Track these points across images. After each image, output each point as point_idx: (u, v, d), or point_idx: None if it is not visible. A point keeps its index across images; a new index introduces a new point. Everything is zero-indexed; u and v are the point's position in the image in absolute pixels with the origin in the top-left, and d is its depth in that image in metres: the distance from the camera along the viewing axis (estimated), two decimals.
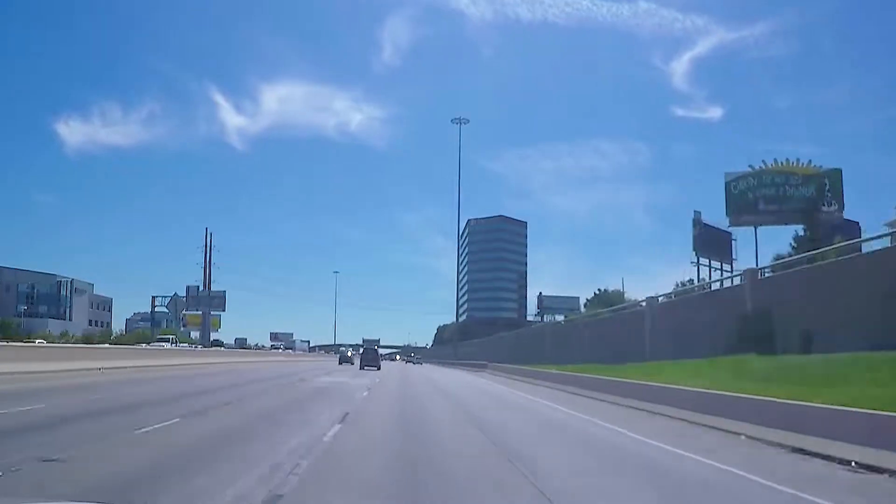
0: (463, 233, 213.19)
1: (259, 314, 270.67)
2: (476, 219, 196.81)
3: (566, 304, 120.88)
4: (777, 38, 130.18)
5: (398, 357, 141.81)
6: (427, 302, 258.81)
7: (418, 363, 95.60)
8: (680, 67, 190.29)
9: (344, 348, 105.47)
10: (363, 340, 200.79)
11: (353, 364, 58.03)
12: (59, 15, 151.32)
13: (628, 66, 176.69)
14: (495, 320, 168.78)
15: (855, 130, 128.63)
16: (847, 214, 50.35)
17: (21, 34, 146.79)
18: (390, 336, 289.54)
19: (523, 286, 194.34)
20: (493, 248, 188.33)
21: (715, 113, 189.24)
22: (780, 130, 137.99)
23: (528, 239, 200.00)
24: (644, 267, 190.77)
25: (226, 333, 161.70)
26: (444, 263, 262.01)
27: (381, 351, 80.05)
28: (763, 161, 55.23)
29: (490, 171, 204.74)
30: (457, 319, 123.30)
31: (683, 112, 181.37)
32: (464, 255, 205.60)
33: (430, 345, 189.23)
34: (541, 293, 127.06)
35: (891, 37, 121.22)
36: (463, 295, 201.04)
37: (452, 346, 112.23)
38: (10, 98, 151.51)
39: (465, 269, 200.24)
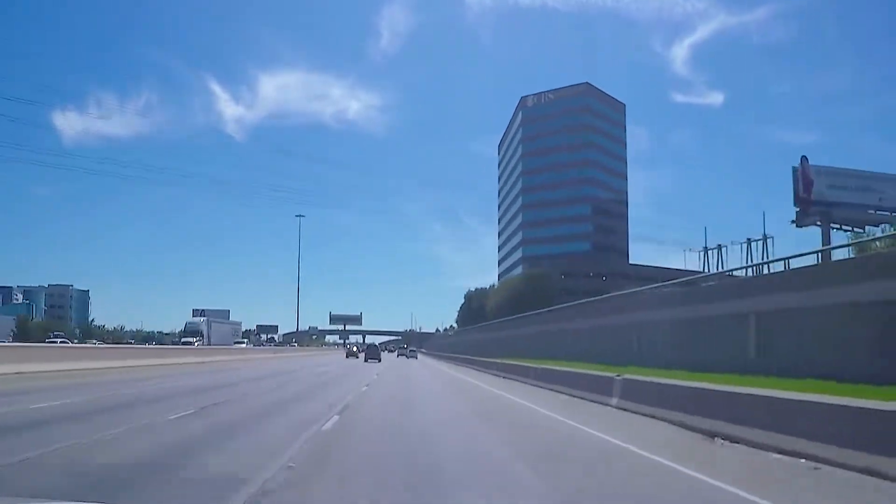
0: (511, 122, 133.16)
1: (244, 301, 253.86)
2: (536, 94, 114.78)
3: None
4: (778, 23, 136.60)
5: (396, 349, 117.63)
6: (428, 291, 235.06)
7: (412, 356, 74.37)
8: (680, 53, 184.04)
9: (349, 344, 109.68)
10: (330, 316, 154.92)
11: (357, 357, 63.56)
12: (55, 5, 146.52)
13: (628, 52, 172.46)
14: (577, 270, 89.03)
15: (855, 117, 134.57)
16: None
17: (17, 25, 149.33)
18: (387, 321, 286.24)
19: (622, 214, 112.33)
20: (570, 146, 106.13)
21: (716, 99, 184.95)
22: (781, 116, 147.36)
23: (626, 132, 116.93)
24: (642, 253, 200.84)
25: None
26: (444, 250, 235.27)
27: (376, 339, 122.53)
28: None
29: (488, 158, 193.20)
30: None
31: (684, 98, 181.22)
32: (511, 158, 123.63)
33: (448, 328, 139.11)
34: (804, 159, 43.84)
35: (892, 22, 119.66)
36: (513, 234, 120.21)
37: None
38: (6, 88, 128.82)
39: (518, 183, 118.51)
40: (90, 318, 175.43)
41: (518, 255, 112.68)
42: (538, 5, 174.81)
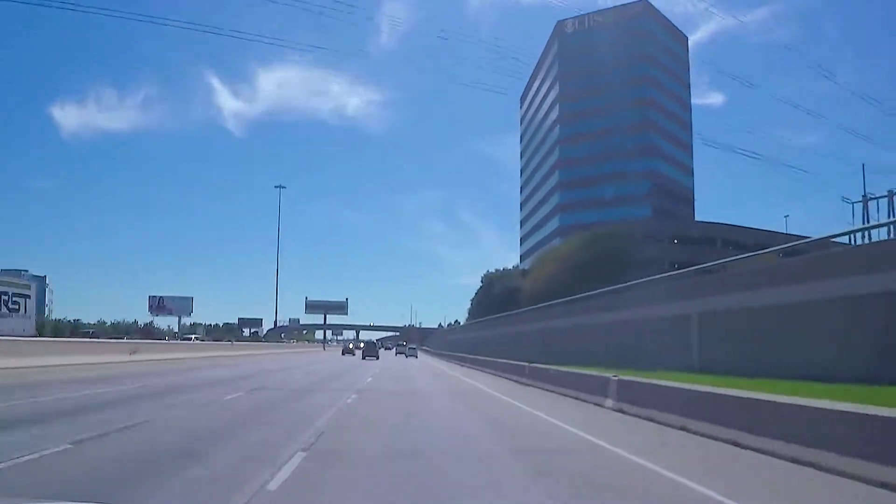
0: (542, 60, 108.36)
1: (240, 296, 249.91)
2: (577, 18, 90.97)
3: None
4: (779, 24, 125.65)
5: (393, 346, 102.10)
6: (427, 288, 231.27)
7: (412, 355, 68.59)
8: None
9: (346, 341, 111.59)
10: (306, 303, 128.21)
11: (354, 354, 62.68)
12: None
13: None
14: (637, 235, 64.63)
15: (857, 118, 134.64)
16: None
17: (15, 18, 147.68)
18: (385, 316, 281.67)
19: (686, 186, 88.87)
20: (624, 83, 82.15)
21: (716, 99, 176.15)
22: (782, 118, 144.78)
23: (689, 73, 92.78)
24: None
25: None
26: (444, 247, 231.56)
27: (373, 335, 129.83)
28: None
29: (490, 157, 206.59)
30: None
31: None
32: (541, 104, 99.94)
33: (453, 322, 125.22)
34: None
35: (893, 22, 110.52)
36: (544, 200, 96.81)
37: None
38: (5, 82, 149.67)
39: (552, 133, 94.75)
40: (47, 308, 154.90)
41: (553, 225, 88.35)
42: (539, 2, 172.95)
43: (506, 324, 49.24)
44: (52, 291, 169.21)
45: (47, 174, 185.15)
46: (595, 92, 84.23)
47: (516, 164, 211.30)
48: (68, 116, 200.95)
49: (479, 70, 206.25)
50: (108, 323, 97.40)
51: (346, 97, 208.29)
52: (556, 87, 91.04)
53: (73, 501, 4.76)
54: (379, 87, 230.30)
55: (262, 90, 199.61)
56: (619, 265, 46.10)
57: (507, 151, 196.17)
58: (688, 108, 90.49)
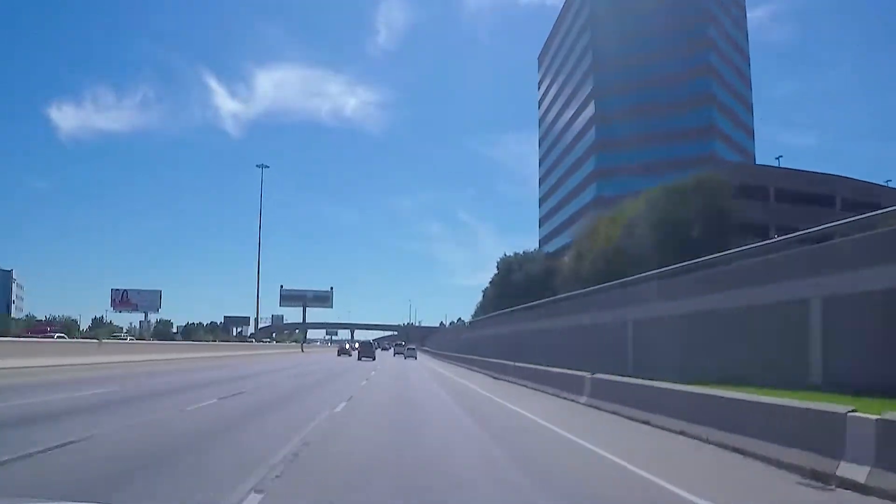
0: (568, 2, 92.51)
1: (236, 295, 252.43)
2: None
3: None
4: (777, 23, 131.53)
5: (391, 346, 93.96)
6: (425, 289, 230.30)
7: (410, 356, 65.81)
8: None
9: (342, 342, 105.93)
10: (281, 293, 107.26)
11: (350, 356, 62.18)
12: None
13: None
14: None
15: (856, 117, 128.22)
16: None
17: (13, 18, 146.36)
18: (383, 315, 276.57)
19: (748, 137, 74.02)
20: (674, 21, 67.06)
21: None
22: (781, 117, 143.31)
23: (746, 15, 77.91)
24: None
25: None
26: (441, 248, 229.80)
27: (370, 335, 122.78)
28: None
29: (487, 157, 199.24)
30: None
31: None
32: (567, 56, 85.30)
33: (457, 321, 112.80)
34: None
35: (892, 22, 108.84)
36: (573, 168, 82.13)
37: None
38: (2, 82, 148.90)
39: (584, 85, 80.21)
40: (13, 303, 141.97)
41: (587, 196, 73.10)
42: (536, 2, 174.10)
43: (546, 314, 35.72)
44: (20, 287, 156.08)
45: (43, 174, 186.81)
46: (635, 33, 69.06)
47: (516, 164, 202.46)
48: (65, 117, 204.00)
49: (480, 62, 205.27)
50: (43, 318, 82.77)
51: (345, 98, 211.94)
52: (588, 32, 75.85)
53: (73, 501, 4.67)
54: (377, 87, 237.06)
55: (259, 91, 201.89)
56: (719, 228, 31.49)
57: (507, 151, 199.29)
58: (746, 56, 75.30)
